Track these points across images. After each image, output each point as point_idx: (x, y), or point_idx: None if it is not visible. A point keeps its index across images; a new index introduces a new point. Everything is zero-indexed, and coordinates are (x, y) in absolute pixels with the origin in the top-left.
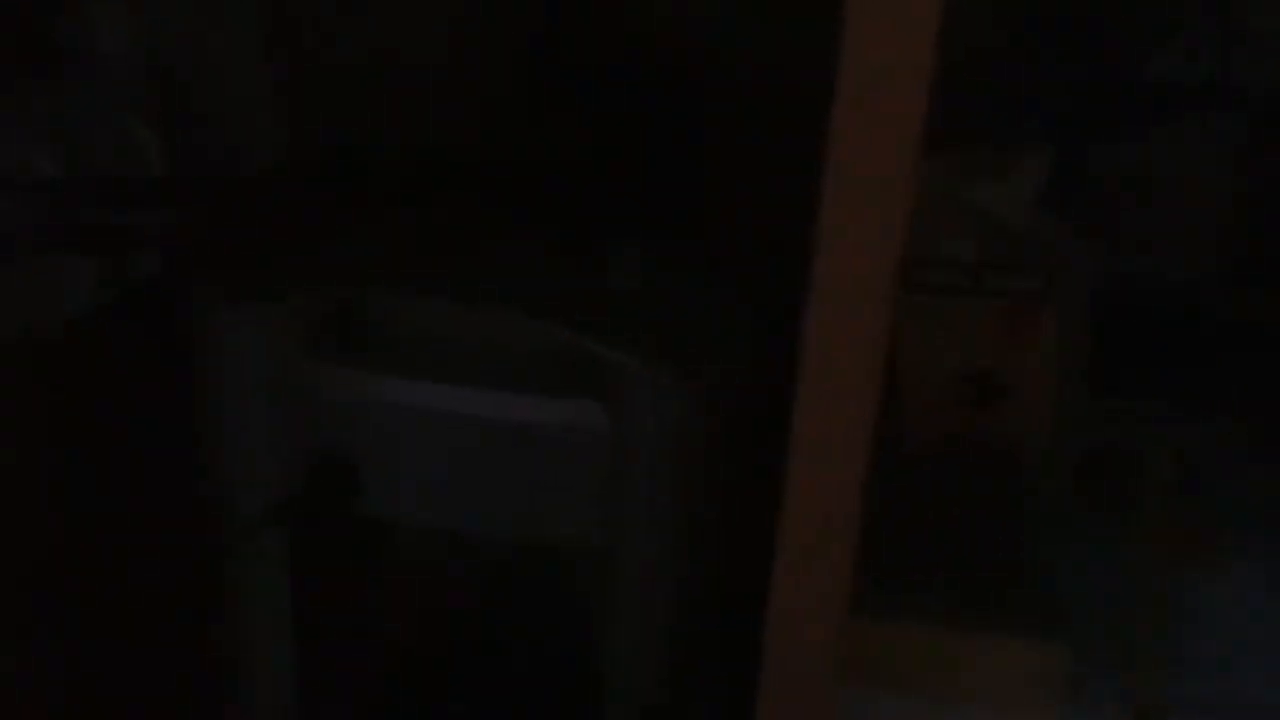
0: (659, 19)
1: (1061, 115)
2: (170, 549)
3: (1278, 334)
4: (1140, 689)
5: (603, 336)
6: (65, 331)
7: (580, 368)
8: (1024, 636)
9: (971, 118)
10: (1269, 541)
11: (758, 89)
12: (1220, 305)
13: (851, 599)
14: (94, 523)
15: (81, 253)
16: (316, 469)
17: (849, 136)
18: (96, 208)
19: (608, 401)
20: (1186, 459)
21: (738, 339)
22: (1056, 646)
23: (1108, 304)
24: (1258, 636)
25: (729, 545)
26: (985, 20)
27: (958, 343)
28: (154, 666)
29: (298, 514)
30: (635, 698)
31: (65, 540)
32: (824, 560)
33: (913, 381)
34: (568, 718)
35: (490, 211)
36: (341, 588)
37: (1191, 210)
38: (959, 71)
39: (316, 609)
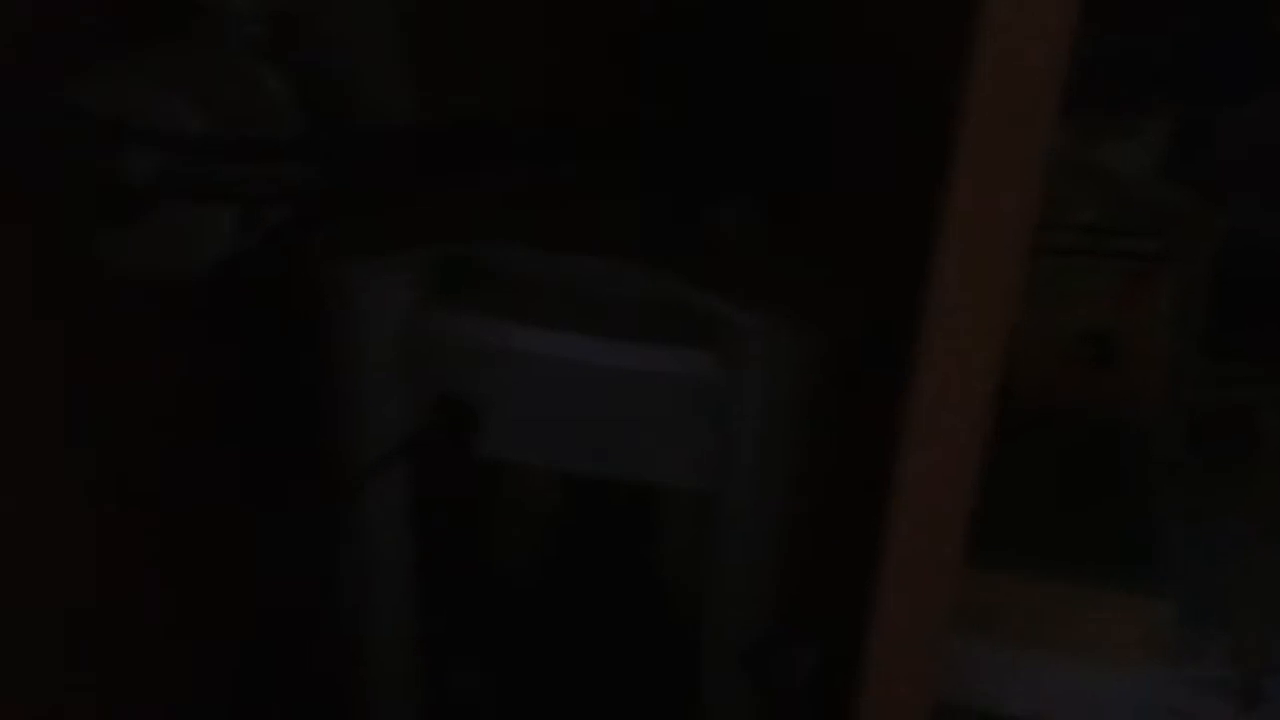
0: None
1: (1186, 76)
2: (298, 486)
3: None
4: (1246, 649)
5: (714, 288)
6: (205, 277)
7: (692, 318)
8: (1133, 593)
9: (1094, 80)
10: None
11: (868, 48)
12: None
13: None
14: (226, 456)
15: (220, 204)
16: (438, 411)
17: (989, 92)
18: (234, 162)
19: (718, 351)
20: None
21: (846, 291)
22: (1164, 604)
23: (1226, 265)
24: None
25: (834, 495)
26: None
27: (1074, 303)
28: (278, 599)
29: (420, 453)
30: (733, 646)
31: (200, 469)
32: (941, 510)
33: (1027, 340)
34: (667, 663)
35: (606, 170)
36: (459, 527)
37: None
38: (1082, 33)
39: (435, 549)
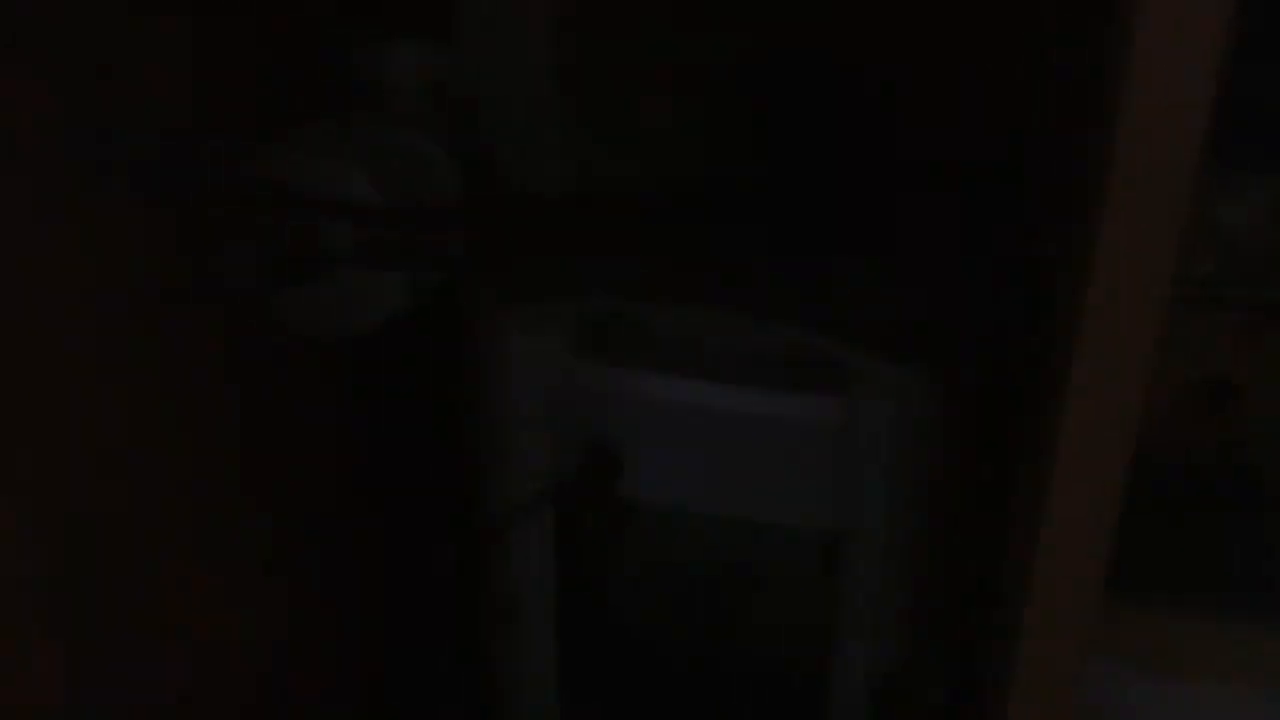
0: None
1: None
2: (449, 528)
3: None
4: None
5: (842, 337)
6: (375, 333)
7: (821, 366)
8: (1263, 627)
9: (1212, 136)
10: None
11: (972, 97)
12: None
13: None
14: (387, 494)
15: (389, 267)
16: (584, 456)
17: (1135, 149)
18: (402, 228)
19: (846, 397)
20: None
21: (969, 339)
22: None
23: None
24: None
25: (962, 533)
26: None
27: (1194, 351)
28: (430, 633)
29: (566, 497)
30: (865, 681)
31: (365, 503)
32: (1084, 545)
33: (1151, 387)
34: (799, 700)
35: (734, 230)
36: (599, 568)
37: None
38: None
39: (577, 589)
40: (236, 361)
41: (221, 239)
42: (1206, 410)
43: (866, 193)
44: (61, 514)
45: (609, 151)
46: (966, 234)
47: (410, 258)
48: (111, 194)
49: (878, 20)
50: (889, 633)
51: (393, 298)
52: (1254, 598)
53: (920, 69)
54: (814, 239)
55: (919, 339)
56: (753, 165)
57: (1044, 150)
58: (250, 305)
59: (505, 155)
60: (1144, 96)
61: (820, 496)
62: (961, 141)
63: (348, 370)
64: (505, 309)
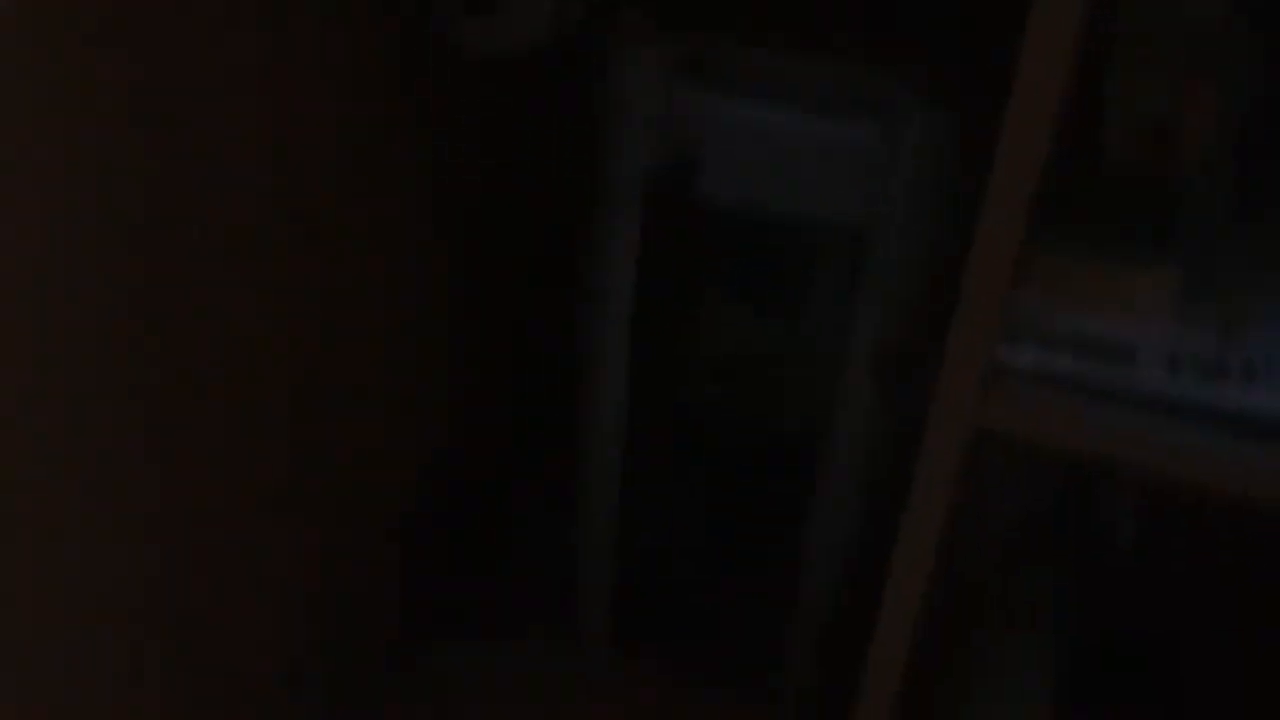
0: None
1: None
2: (557, 216)
3: None
4: (1229, 311)
5: (884, 74)
6: (525, 56)
7: (867, 98)
8: (1151, 266)
9: None
10: None
11: None
12: None
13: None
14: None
15: None
16: (672, 162)
17: None
18: None
19: (885, 123)
20: None
21: (977, 85)
22: (1173, 273)
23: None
24: None
25: (958, 240)
26: None
27: (1148, 100)
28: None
29: (658, 191)
30: (872, 345)
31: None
32: (1017, 207)
33: (1113, 129)
34: (822, 360)
35: None
36: (680, 260)
37: None
38: None
39: (656, 281)
40: (417, 83)
41: None
42: (1155, 139)
43: None
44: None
45: None
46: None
47: None
48: None
49: None
50: (896, 306)
51: (544, 27)
52: (1153, 250)
53: None
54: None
55: (941, 81)
56: None
57: None
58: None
59: None
60: None
61: (855, 199)
62: None
63: (502, 88)
64: (626, 44)
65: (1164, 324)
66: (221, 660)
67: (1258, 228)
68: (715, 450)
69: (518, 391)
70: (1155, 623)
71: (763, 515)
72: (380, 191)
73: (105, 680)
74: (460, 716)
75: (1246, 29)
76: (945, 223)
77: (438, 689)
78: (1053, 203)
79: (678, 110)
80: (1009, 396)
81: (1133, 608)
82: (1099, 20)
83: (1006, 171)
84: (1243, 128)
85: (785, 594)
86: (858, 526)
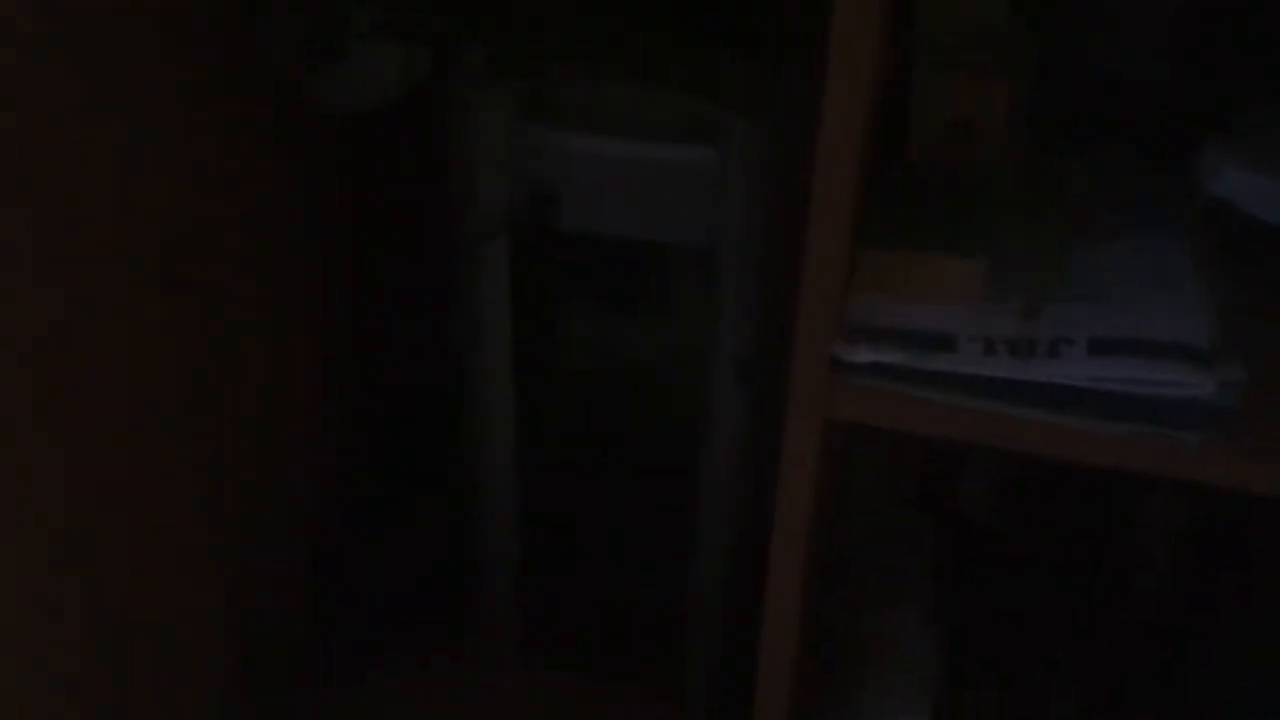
0: None
1: None
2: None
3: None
4: (1030, 294)
5: (715, 101)
6: (378, 107)
7: (699, 124)
8: (961, 256)
9: None
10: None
11: None
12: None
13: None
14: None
15: (398, 40)
16: (528, 197)
17: None
18: (402, 8)
19: (718, 146)
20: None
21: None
22: (981, 261)
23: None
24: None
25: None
26: None
27: (945, 99)
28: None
29: (515, 225)
30: (731, 356)
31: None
32: (840, 216)
33: (919, 128)
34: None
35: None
36: (549, 282)
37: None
38: None
39: (530, 303)
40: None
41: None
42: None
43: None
44: None
45: None
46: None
47: (410, 32)
48: None
49: None
50: (748, 319)
51: (394, 78)
52: (959, 244)
53: None
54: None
55: (769, 103)
56: None
57: None
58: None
59: None
60: None
61: (700, 217)
62: None
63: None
64: (467, 87)
65: (976, 310)
66: (134, 680)
67: (1047, 211)
68: (602, 451)
69: (406, 412)
70: (1022, 592)
71: (652, 510)
72: (260, 236)
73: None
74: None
75: (1024, 28)
76: (791, 231)
77: (341, 696)
78: (871, 201)
79: (527, 147)
80: (851, 389)
81: (999, 579)
82: (897, 32)
83: (824, 185)
84: (1029, 116)
85: (681, 584)
86: (739, 516)
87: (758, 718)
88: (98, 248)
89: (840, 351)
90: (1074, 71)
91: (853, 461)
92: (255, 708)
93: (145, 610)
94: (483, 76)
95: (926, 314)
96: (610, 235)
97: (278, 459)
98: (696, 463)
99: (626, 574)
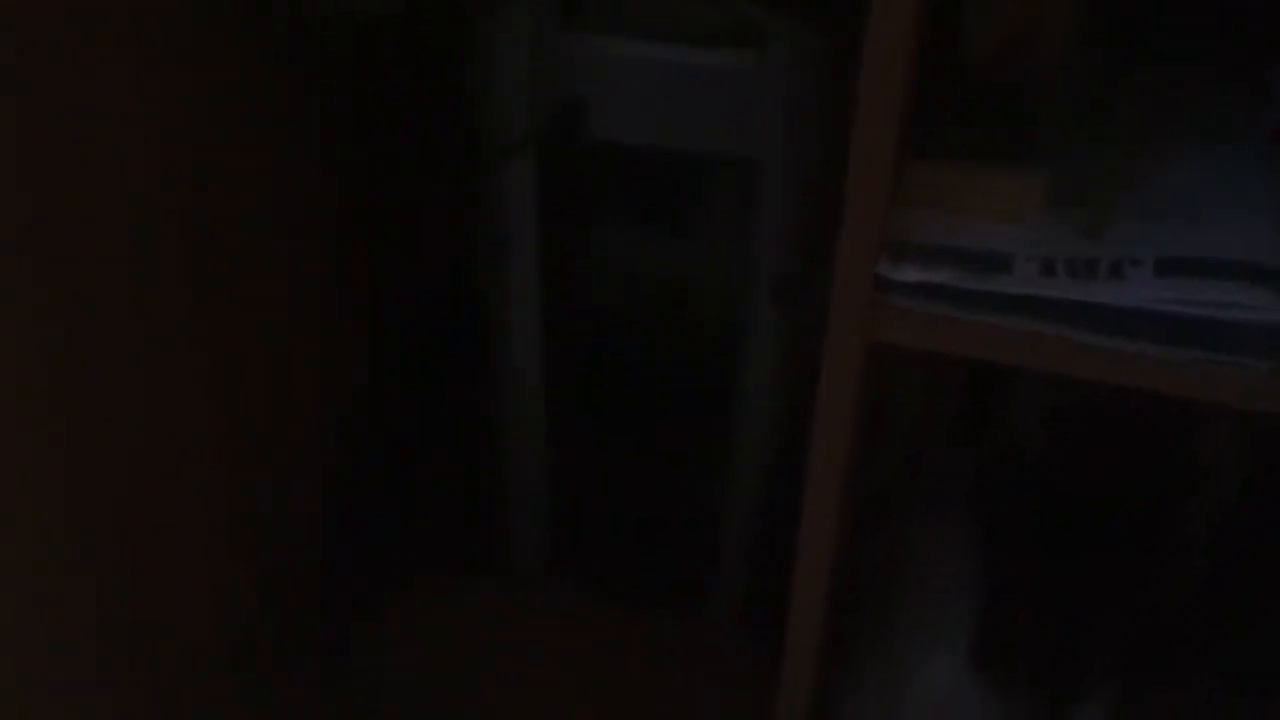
0: None
1: None
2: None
3: None
4: (1093, 211)
5: (758, 1)
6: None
7: (741, 26)
8: (1020, 170)
9: None
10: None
11: None
12: None
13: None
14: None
15: None
16: (559, 106)
17: None
18: None
19: (761, 50)
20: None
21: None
22: (1041, 176)
23: None
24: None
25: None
26: None
27: (1003, 7)
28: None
29: (544, 136)
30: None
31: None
32: (887, 128)
33: (973, 40)
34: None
35: None
36: (579, 196)
37: None
38: None
39: (557, 221)
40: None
41: None
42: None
43: None
44: None
45: None
46: None
47: None
48: None
49: None
50: (789, 235)
51: None
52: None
53: None
54: None
55: (815, 4)
56: None
57: None
58: None
59: None
60: None
61: (741, 128)
62: None
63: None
64: None
65: (1034, 228)
66: (157, 629)
67: (1112, 127)
68: (633, 373)
69: (430, 337)
70: (1065, 525)
71: (684, 431)
72: (271, 156)
73: (38, 659)
74: (401, 657)
75: None
76: (835, 145)
77: (374, 635)
78: (923, 115)
79: (558, 54)
80: (896, 311)
81: (1042, 511)
82: None
83: (872, 93)
84: (1091, 29)
85: (712, 511)
86: (774, 438)
87: (790, 646)
88: (104, 174)
89: (886, 270)
90: None
91: (892, 389)
92: (280, 637)
93: (159, 550)
94: None
95: (981, 231)
96: (643, 146)
97: (304, 379)
98: (730, 384)
99: (658, 497)
